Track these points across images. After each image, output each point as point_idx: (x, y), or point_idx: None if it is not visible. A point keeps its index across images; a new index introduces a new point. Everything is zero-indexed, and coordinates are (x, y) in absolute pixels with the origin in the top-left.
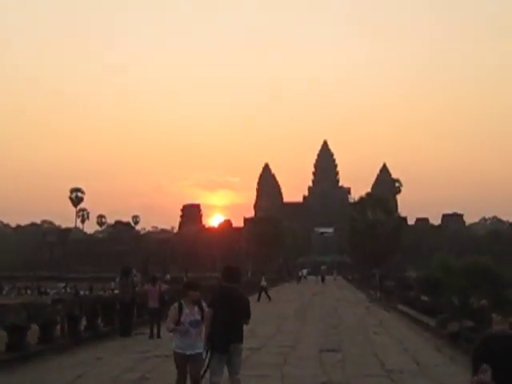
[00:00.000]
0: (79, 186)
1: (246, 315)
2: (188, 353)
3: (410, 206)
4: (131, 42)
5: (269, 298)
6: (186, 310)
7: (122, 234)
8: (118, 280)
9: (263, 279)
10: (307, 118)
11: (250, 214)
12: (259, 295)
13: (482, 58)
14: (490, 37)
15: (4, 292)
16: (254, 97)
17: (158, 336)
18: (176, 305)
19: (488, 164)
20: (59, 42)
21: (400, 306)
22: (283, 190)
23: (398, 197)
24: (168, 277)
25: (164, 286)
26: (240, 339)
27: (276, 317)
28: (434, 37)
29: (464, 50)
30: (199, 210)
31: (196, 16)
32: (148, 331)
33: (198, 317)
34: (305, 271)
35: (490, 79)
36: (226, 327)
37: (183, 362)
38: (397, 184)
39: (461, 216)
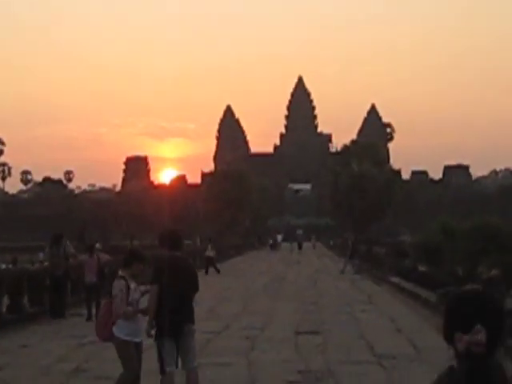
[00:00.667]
0: None
1: (194, 289)
2: (137, 340)
3: (405, 156)
4: None
5: (206, 272)
6: (131, 287)
7: (51, 193)
8: (47, 250)
9: (209, 248)
10: (278, 49)
11: (209, 167)
12: (207, 268)
13: None
14: None
15: None
16: (211, 20)
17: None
18: (122, 281)
19: (499, 106)
20: None
21: (393, 278)
22: (249, 139)
23: (390, 145)
24: (98, 245)
25: (104, 257)
26: (192, 319)
27: (242, 293)
28: None
29: None
30: (146, 164)
31: None
32: (85, 312)
33: (140, 294)
34: (279, 237)
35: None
36: (177, 305)
37: (134, 352)
38: (388, 130)
39: (466, 168)
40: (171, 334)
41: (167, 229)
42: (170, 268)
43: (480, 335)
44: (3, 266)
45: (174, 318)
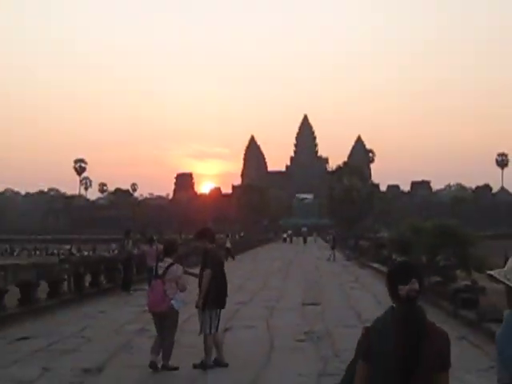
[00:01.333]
0: (82, 157)
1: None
2: None
3: (383, 174)
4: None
5: (233, 257)
6: None
7: (121, 200)
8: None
9: (228, 241)
10: (289, 95)
11: (238, 181)
12: (229, 256)
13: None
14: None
15: (15, 253)
16: (241, 75)
17: None
18: (179, 265)
19: (453, 135)
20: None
21: (374, 264)
22: (267, 160)
23: (372, 166)
24: (155, 238)
25: (160, 247)
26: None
27: (262, 274)
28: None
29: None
30: (191, 179)
31: None
32: (146, 288)
33: None
34: (290, 232)
35: (463, 51)
36: (224, 284)
37: None
38: (370, 154)
39: (428, 183)
40: (221, 305)
41: (203, 227)
42: (216, 257)
43: (415, 285)
44: (86, 253)
45: (222, 294)
